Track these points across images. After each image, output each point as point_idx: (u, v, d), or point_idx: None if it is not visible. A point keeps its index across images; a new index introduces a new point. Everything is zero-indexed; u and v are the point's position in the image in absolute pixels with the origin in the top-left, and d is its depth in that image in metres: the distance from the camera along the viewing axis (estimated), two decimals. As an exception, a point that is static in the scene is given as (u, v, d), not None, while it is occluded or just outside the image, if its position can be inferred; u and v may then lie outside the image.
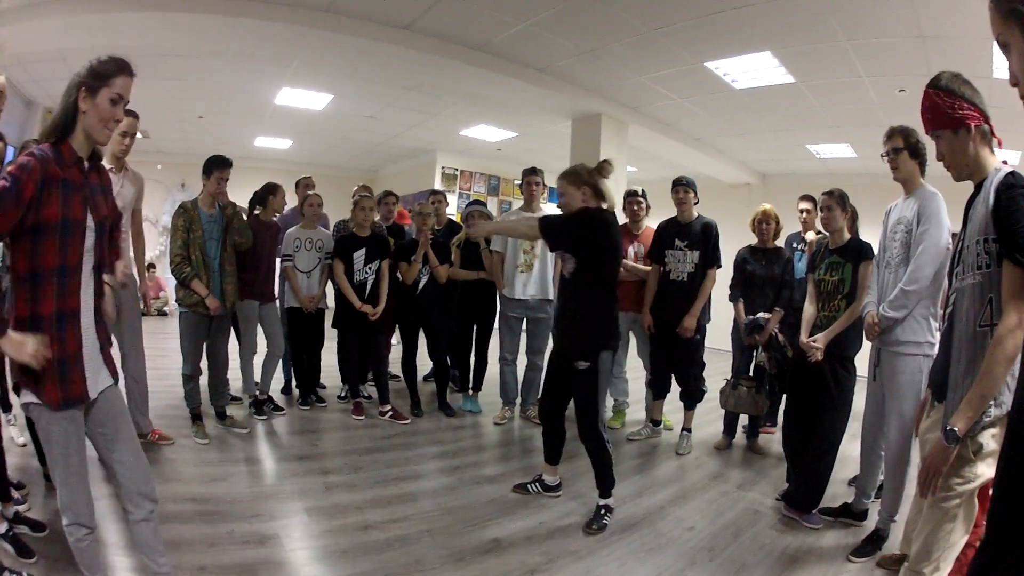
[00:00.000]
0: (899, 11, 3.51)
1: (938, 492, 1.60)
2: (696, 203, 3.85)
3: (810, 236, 4.11)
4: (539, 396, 2.78)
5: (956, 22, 3.50)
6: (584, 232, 2.64)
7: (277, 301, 4.13)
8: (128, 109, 2.92)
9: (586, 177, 2.70)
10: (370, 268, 4.05)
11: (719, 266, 3.79)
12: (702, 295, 3.73)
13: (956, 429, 1.46)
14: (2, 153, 2.39)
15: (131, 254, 3.26)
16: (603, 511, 2.71)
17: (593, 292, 2.67)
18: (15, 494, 2.29)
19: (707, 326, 3.95)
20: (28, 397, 1.49)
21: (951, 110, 1.62)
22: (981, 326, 1.53)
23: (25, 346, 1.37)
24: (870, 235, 2.74)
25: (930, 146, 2.36)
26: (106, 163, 2.89)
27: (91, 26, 4.21)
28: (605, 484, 2.74)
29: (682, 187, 3.80)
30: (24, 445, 2.90)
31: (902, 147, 2.41)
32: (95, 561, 1.65)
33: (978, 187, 1.63)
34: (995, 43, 1.11)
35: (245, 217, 3.83)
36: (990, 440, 1.56)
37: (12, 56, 4.71)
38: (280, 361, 4.16)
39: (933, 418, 1.82)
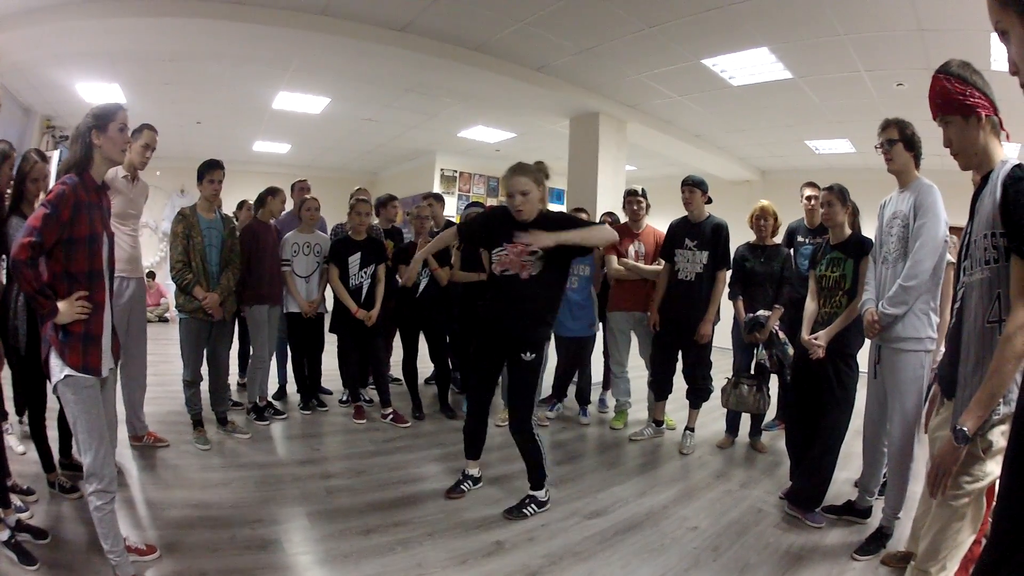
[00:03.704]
0: (897, 4, 3.48)
1: (948, 491, 1.58)
2: (708, 202, 3.77)
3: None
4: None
5: (954, 14, 3.47)
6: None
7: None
8: (148, 124, 3.02)
9: (543, 177, 2.72)
10: (366, 272, 4.03)
11: (728, 267, 3.75)
12: (714, 299, 3.69)
13: (966, 428, 1.44)
14: None
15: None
16: (527, 500, 2.78)
17: (557, 289, 2.77)
18: (17, 502, 2.29)
19: (715, 326, 3.88)
20: (56, 375, 1.79)
21: (963, 96, 1.59)
22: (990, 322, 1.51)
23: (70, 307, 1.79)
24: (870, 230, 2.72)
25: (927, 138, 2.36)
26: (123, 170, 2.97)
27: (88, 32, 4.22)
28: (535, 476, 2.81)
29: (687, 187, 3.73)
30: (23, 453, 2.89)
31: (897, 139, 2.38)
32: (114, 530, 1.86)
33: (984, 179, 1.60)
34: (993, 35, 1.09)
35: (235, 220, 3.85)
36: (1000, 438, 1.54)
37: (9, 64, 4.71)
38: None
39: (943, 415, 1.80)
